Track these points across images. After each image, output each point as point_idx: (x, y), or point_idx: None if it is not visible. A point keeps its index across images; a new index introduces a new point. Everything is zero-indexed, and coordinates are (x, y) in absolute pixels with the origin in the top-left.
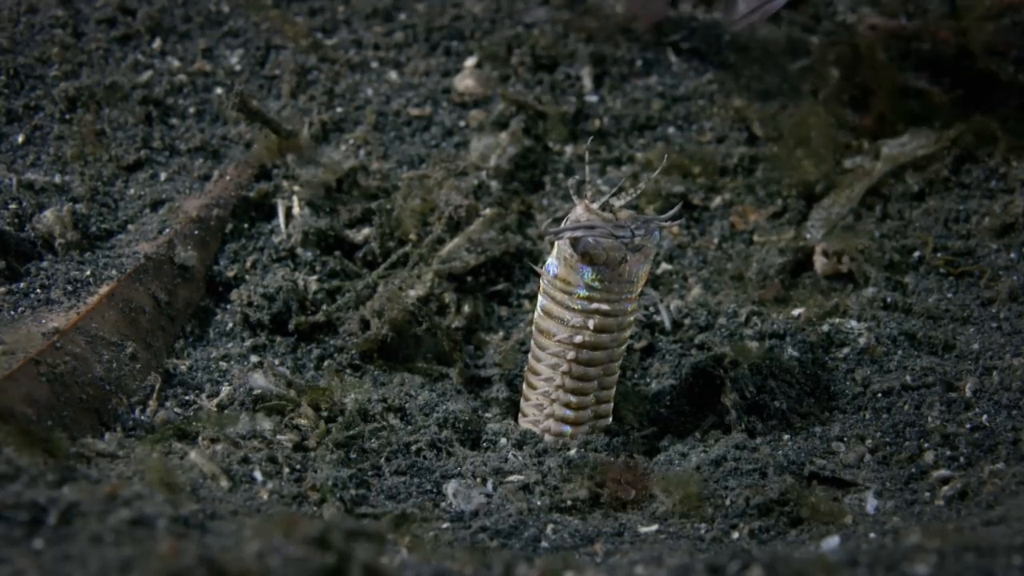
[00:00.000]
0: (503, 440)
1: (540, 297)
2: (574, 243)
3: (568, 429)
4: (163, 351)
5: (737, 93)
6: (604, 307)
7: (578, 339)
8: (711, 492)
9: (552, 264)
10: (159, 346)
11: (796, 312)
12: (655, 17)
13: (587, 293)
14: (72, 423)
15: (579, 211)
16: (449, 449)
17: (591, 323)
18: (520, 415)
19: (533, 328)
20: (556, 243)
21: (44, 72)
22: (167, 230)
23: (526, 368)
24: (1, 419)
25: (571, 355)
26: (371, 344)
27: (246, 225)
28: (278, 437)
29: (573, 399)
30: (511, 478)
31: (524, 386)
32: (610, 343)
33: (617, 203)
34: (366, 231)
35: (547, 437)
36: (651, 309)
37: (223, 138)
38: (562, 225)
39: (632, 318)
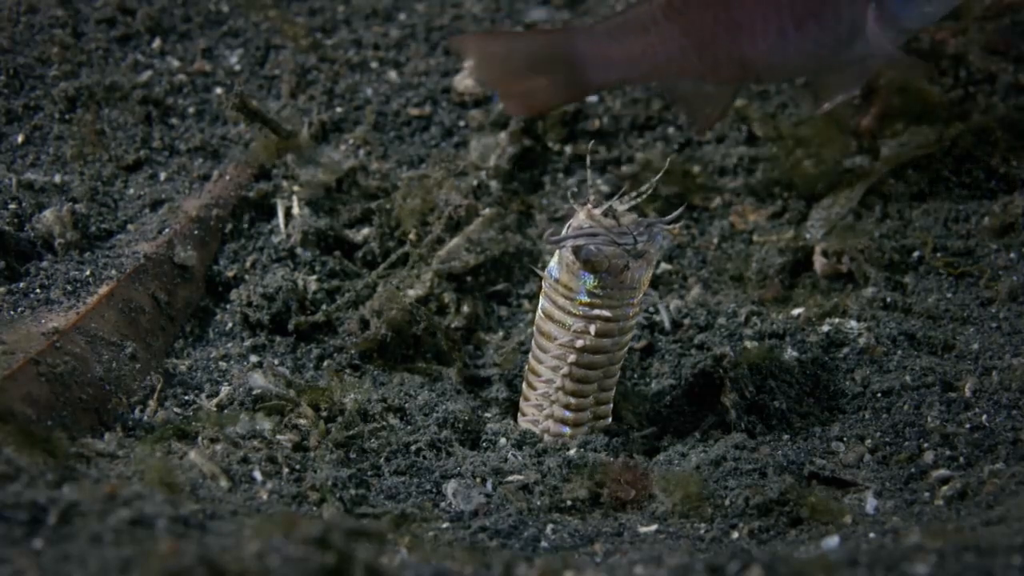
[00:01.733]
0: (503, 440)
1: (542, 299)
2: (576, 251)
3: (567, 430)
4: (163, 351)
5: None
6: (606, 313)
7: (579, 343)
8: (711, 492)
9: (554, 268)
10: (159, 346)
11: (796, 312)
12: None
13: (589, 299)
14: (72, 423)
15: (581, 217)
16: (449, 449)
17: (592, 328)
18: (519, 414)
19: (534, 329)
20: (558, 249)
21: (44, 72)
22: (167, 230)
23: (526, 368)
24: (1, 419)
25: (572, 358)
26: (371, 344)
27: (246, 225)
28: (278, 437)
29: (573, 400)
30: (511, 478)
31: (524, 386)
32: (611, 347)
33: (620, 207)
34: (366, 231)
35: (546, 437)
36: (651, 309)
37: (223, 138)
38: (563, 232)
39: (634, 322)
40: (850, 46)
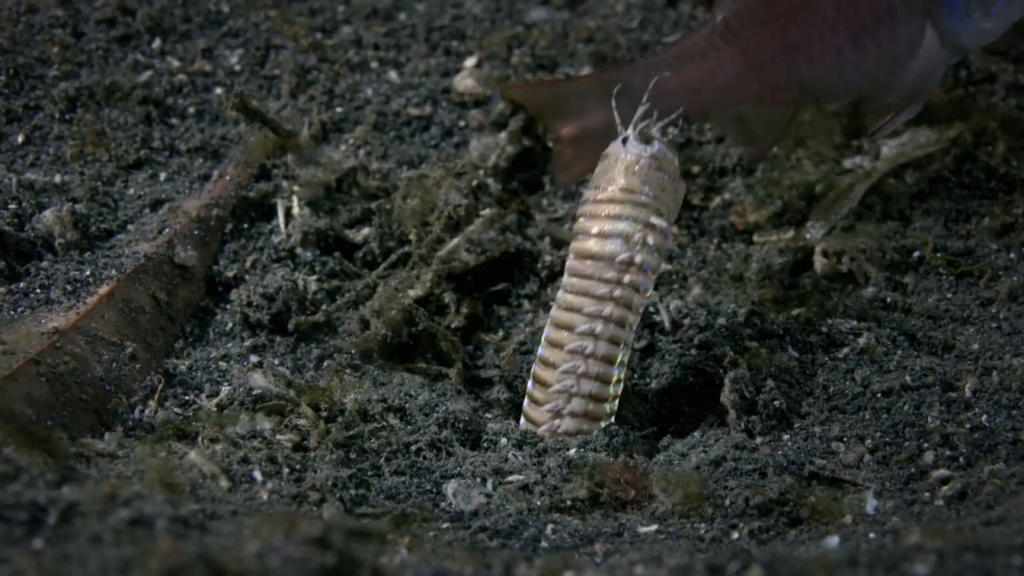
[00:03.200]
0: (503, 440)
1: (585, 224)
2: (648, 142)
3: (593, 406)
4: (163, 351)
5: None
6: (661, 223)
7: (638, 258)
8: (711, 492)
9: (605, 183)
10: (159, 346)
11: (796, 312)
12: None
13: (649, 200)
14: (72, 423)
15: (628, 131)
16: (449, 449)
17: (650, 239)
18: (531, 406)
19: (562, 291)
20: (614, 155)
21: (44, 72)
22: (167, 230)
23: (541, 353)
24: (1, 419)
25: (628, 278)
26: (370, 344)
27: (246, 225)
28: (278, 437)
29: (610, 352)
30: (511, 478)
31: (538, 370)
32: (647, 287)
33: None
34: (366, 231)
35: (566, 422)
36: (651, 309)
37: (223, 138)
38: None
39: (660, 265)
40: (908, 65)
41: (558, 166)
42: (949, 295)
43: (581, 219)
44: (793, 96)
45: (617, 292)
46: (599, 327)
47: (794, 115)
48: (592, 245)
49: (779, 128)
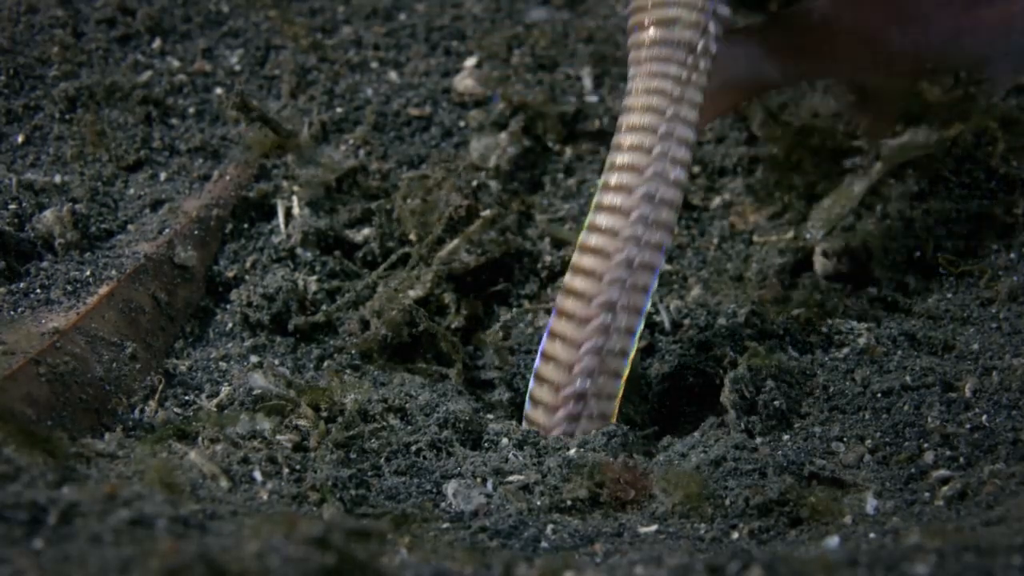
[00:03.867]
0: (504, 440)
1: (643, 68)
2: None
3: (634, 341)
4: (163, 351)
5: None
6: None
7: (712, 47)
8: (711, 492)
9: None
10: (159, 346)
11: (796, 312)
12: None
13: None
14: (72, 423)
15: None
16: (449, 449)
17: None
18: (554, 371)
19: (642, 70)
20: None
21: (44, 72)
22: (167, 230)
23: (561, 303)
24: (1, 419)
25: (703, 64)
26: (370, 344)
27: (246, 225)
28: (278, 437)
29: (663, 238)
30: (511, 478)
31: (558, 325)
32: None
33: None
34: (366, 231)
35: (587, 383)
36: (651, 309)
37: (223, 138)
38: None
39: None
40: (1022, 31)
41: None
42: (949, 295)
43: (634, 31)
44: (908, 66)
45: (694, 77)
46: (682, 109)
47: (912, 87)
48: (664, 32)
49: (897, 101)
